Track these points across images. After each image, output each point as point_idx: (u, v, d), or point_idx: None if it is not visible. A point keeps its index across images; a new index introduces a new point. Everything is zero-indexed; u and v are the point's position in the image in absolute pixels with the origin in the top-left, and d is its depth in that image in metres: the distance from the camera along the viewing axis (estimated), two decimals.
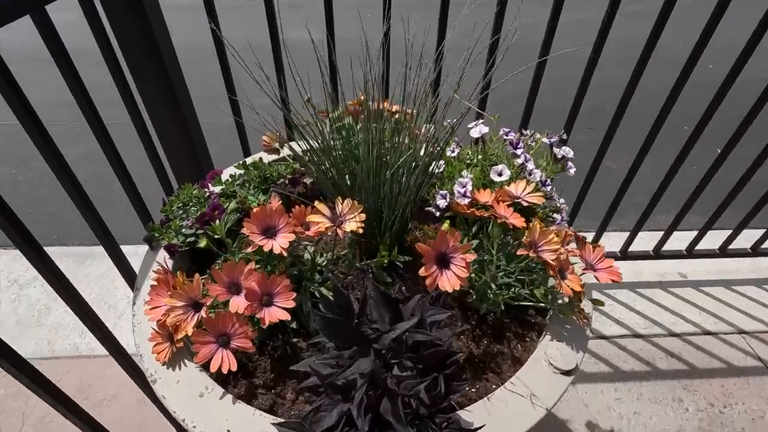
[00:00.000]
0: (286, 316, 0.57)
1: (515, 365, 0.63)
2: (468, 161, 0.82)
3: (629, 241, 1.58)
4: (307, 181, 0.90)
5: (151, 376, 0.60)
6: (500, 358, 0.65)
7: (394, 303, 0.54)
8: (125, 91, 0.84)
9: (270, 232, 0.62)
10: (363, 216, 0.63)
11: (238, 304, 0.56)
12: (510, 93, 1.64)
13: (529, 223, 0.65)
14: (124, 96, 0.84)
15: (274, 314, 0.56)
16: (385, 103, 0.78)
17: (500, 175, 0.76)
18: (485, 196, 0.75)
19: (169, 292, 0.61)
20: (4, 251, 1.93)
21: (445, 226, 0.67)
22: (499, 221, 0.66)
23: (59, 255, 1.91)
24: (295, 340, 0.65)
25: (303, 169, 0.93)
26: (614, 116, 1.20)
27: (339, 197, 0.65)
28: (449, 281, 0.56)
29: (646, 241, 1.73)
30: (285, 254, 0.60)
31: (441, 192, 0.75)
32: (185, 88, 1.03)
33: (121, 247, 0.88)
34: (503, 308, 0.66)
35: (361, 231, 0.61)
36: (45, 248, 0.69)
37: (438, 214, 0.76)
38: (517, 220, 0.67)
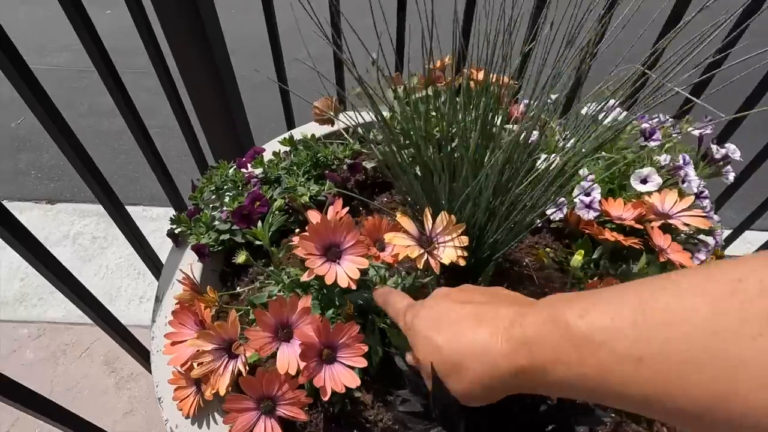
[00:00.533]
0: (355, 383, 0.40)
1: None
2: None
3: None
4: (369, 165, 0.71)
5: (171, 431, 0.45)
6: None
7: None
8: (149, 37, 0.66)
9: (333, 253, 0.44)
10: (465, 240, 0.44)
11: (289, 360, 0.40)
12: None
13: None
14: (147, 43, 0.66)
15: (339, 380, 0.40)
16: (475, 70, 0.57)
17: (645, 182, 0.55)
18: (619, 210, 0.54)
19: (196, 327, 0.45)
20: (36, 205, 1.86)
21: (577, 258, 0.47)
22: (659, 258, 0.46)
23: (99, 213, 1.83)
24: (357, 394, 0.49)
25: (365, 150, 0.74)
26: None
27: (428, 209, 0.46)
28: None
29: None
30: (354, 286, 0.43)
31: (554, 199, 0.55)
32: (220, 35, 0.84)
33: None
34: None
35: (462, 263, 0.43)
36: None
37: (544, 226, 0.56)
38: (683, 257, 0.47)
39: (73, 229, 1.76)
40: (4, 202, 1.88)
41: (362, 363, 0.41)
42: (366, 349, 0.41)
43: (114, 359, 1.37)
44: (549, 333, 0.26)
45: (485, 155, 0.50)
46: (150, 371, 0.53)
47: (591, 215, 0.54)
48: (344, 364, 0.41)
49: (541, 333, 0.26)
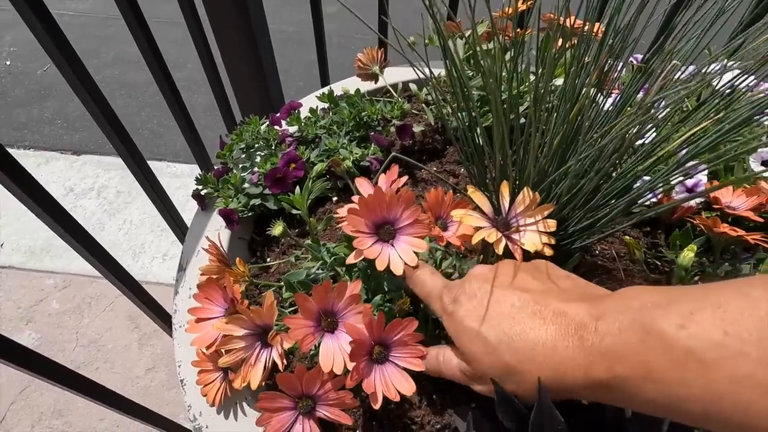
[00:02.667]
0: (411, 389, 0.34)
1: None
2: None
3: None
4: (417, 129, 0.62)
5: (194, 420, 0.40)
6: None
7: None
8: None
9: (385, 232, 0.37)
10: (552, 224, 0.36)
11: (333, 357, 0.33)
12: None
13: None
14: None
15: (393, 385, 0.33)
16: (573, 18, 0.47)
17: (766, 164, 0.45)
18: (728, 197, 0.45)
19: (224, 304, 0.39)
20: (61, 155, 1.84)
21: (688, 255, 0.38)
22: None
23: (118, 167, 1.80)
24: None
25: (415, 111, 0.65)
26: None
27: (504, 183, 0.37)
28: None
29: None
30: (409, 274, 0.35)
31: (644, 178, 0.46)
32: None
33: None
34: None
35: (548, 252, 0.35)
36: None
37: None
38: None
39: (98, 182, 1.74)
40: (30, 151, 1.85)
41: (420, 366, 0.34)
42: (425, 351, 0.34)
43: (138, 315, 1.36)
44: (637, 344, 0.21)
45: (573, 127, 0.41)
46: (170, 334, 0.48)
47: (693, 202, 0.44)
48: (397, 365, 0.34)
49: (625, 343, 0.22)
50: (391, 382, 0.33)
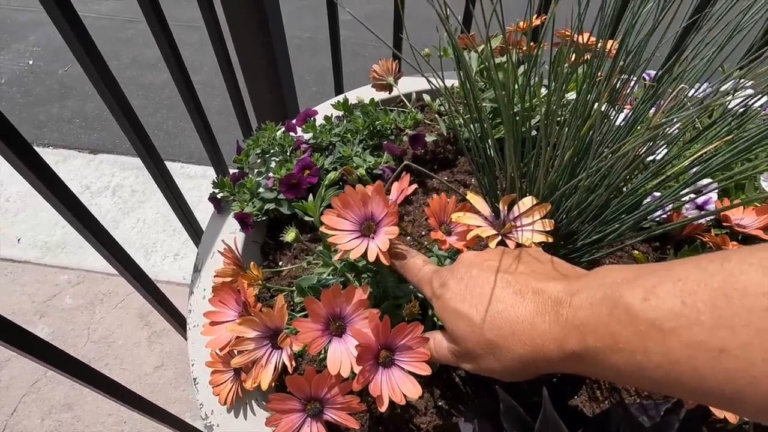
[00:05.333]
0: (417, 392, 0.34)
1: None
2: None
3: None
4: (429, 139, 0.63)
5: (206, 418, 0.41)
6: None
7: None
8: None
9: (367, 228, 0.38)
10: (550, 224, 0.36)
11: (341, 360, 0.34)
12: None
13: None
14: None
15: (398, 388, 0.34)
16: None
17: None
18: (739, 214, 0.45)
19: (237, 308, 0.40)
20: (79, 154, 1.88)
21: None
22: None
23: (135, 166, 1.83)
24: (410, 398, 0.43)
25: (428, 121, 0.66)
26: None
27: (505, 198, 0.38)
28: None
29: None
30: (385, 260, 0.36)
31: (654, 194, 0.46)
32: None
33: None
34: None
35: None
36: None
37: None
38: None
39: (113, 180, 1.77)
40: (49, 149, 1.89)
41: (426, 370, 0.35)
42: (430, 354, 0.35)
43: (148, 313, 1.38)
44: (605, 317, 0.22)
45: (583, 142, 0.41)
46: (181, 333, 0.49)
47: (703, 219, 0.45)
48: (404, 369, 0.35)
49: (596, 316, 0.23)
50: (397, 385, 0.34)
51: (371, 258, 0.35)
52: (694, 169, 0.37)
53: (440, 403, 0.44)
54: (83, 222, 0.57)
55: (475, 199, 0.38)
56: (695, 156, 0.30)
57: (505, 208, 0.38)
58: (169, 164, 0.76)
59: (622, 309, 0.22)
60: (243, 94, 0.87)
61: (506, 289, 0.28)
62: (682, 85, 0.31)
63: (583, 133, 0.35)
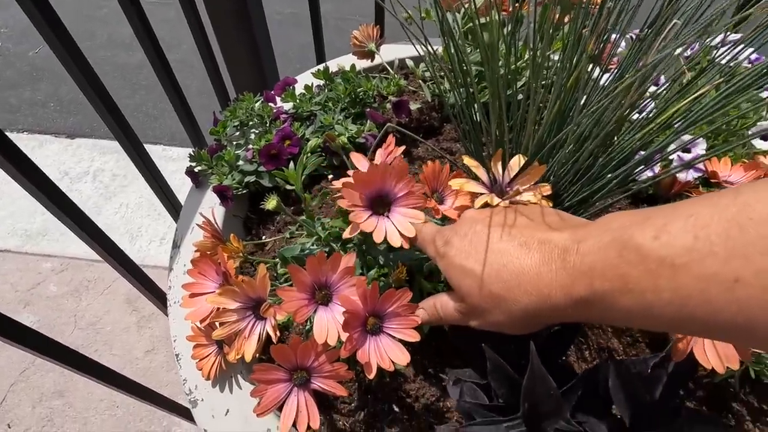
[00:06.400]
0: (405, 359, 0.34)
1: None
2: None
3: None
4: (413, 107, 0.61)
5: (190, 393, 0.40)
6: None
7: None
8: None
9: (380, 204, 0.37)
10: (547, 189, 0.35)
11: (328, 328, 0.33)
12: None
13: None
14: None
15: (386, 355, 0.33)
16: None
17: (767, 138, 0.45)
18: (727, 170, 0.44)
19: (218, 279, 0.39)
20: (56, 139, 1.82)
21: None
22: None
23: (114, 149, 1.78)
24: (398, 366, 0.43)
25: (412, 88, 0.64)
26: None
27: (500, 151, 0.37)
28: None
29: None
30: (407, 246, 0.35)
31: (640, 153, 0.45)
32: None
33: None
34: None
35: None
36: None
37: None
38: None
39: (93, 165, 1.72)
40: (24, 135, 1.83)
41: (415, 336, 0.34)
42: (419, 320, 0.34)
43: (136, 298, 1.37)
44: (614, 259, 0.22)
45: (568, 99, 0.40)
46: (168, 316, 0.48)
47: (691, 176, 0.44)
48: (392, 336, 0.34)
49: (604, 260, 0.22)
50: (386, 352, 0.33)
51: (396, 244, 0.34)
52: (679, 123, 0.37)
53: (429, 371, 0.44)
54: (63, 209, 0.55)
55: (473, 164, 0.37)
56: (682, 104, 0.29)
57: (499, 169, 0.37)
58: (150, 147, 0.74)
59: (632, 249, 0.21)
60: (223, 71, 0.84)
61: (511, 242, 0.28)
62: (675, 21, 0.30)
63: (570, 83, 0.33)
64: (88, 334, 1.32)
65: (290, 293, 0.34)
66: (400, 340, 0.34)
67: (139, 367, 1.26)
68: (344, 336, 0.33)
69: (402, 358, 0.34)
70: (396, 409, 0.41)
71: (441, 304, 0.33)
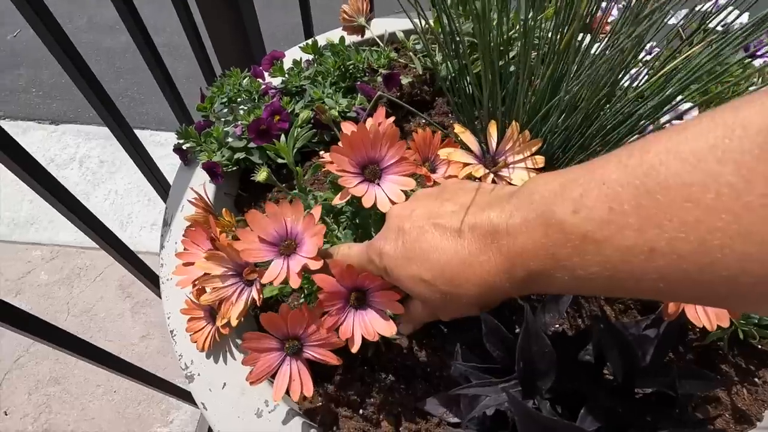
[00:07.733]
0: (391, 330, 0.34)
1: (740, 423, 0.40)
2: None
3: None
4: (404, 81, 0.60)
5: (186, 368, 0.40)
6: (714, 406, 0.41)
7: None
8: None
9: (371, 171, 0.36)
10: (540, 161, 0.35)
11: (279, 272, 0.32)
12: None
13: None
14: None
15: (370, 326, 0.33)
16: None
17: None
18: None
19: (210, 247, 0.39)
20: (39, 125, 1.78)
21: None
22: None
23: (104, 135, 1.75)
24: (393, 337, 0.43)
25: (403, 61, 0.63)
26: None
27: (493, 122, 0.37)
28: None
29: None
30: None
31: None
32: None
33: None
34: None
35: None
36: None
37: None
38: None
39: (79, 151, 1.69)
40: (6, 121, 1.79)
41: (400, 309, 0.34)
42: (401, 294, 0.34)
43: (129, 284, 1.36)
44: (542, 239, 0.22)
45: (561, 66, 0.40)
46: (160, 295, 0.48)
47: None
48: (378, 309, 0.34)
49: (533, 241, 0.23)
50: (371, 324, 0.33)
51: (384, 210, 0.34)
52: (670, 90, 0.36)
53: (424, 341, 0.44)
54: (55, 194, 0.54)
55: (464, 133, 0.36)
56: (675, 63, 0.28)
57: (492, 140, 0.36)
58: (138, 132, 0.72)
59: (556, 227, 0.21)
60: (210, 52, 0.82)
61: (443, 236, 0.27)
62: None
63: (563, 47, 0.33)
64: (82, 321, 1.31)
65: (249, 235, 0.32)
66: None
67: (135, 353, 1.26)
68: (296, 282, 0.32)
69: (388, 329, 0.34)
70: (392, 379, 0.42)
71: (413, 309, 0.34)
